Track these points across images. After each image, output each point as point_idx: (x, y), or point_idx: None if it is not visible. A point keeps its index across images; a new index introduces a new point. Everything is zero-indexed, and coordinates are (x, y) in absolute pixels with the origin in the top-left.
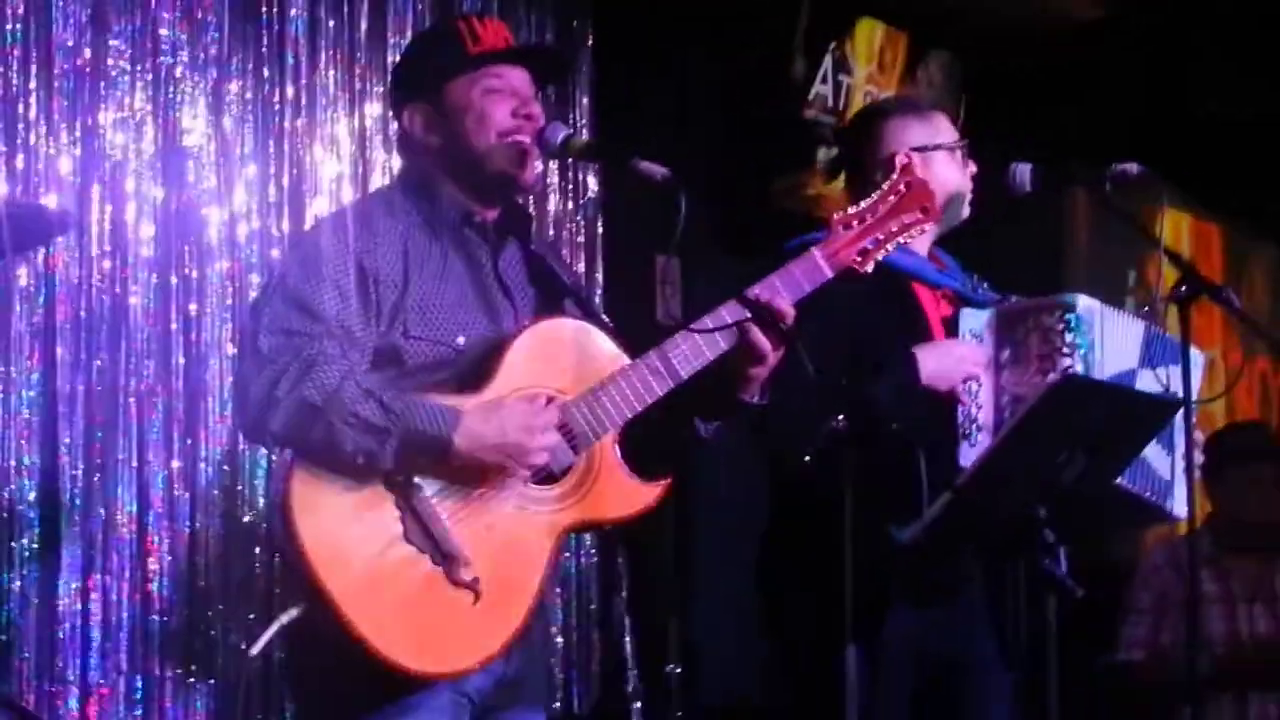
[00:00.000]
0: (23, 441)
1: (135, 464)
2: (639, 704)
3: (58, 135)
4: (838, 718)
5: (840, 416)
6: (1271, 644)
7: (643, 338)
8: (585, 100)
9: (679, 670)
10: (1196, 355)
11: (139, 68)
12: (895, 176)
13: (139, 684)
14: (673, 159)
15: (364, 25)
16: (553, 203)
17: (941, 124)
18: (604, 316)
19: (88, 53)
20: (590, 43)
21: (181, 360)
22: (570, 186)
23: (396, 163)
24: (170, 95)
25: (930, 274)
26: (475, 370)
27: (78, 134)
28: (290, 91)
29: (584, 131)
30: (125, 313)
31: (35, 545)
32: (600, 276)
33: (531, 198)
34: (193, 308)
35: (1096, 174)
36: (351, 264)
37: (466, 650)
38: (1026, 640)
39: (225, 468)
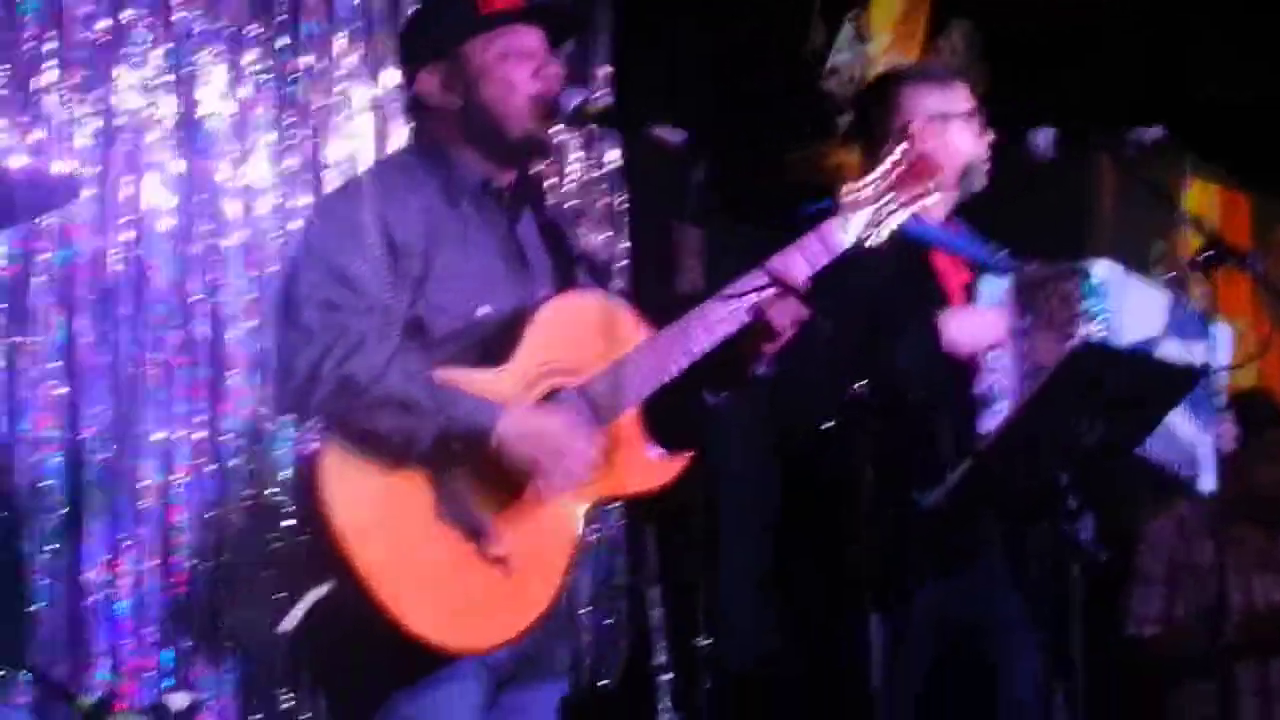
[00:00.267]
0: (45, 415)
1: (160, 436)
2: (667, 676)
3: (75, 106)
4: (861, 686)
5: (859, 384)
6: None
7: (664, 307)
8: (605, 69)
9: (708, 642)
10: (1224, 328)
11: (156, 37)
12: (905, 148)
13: (167, 656)
14: (690, 128)
15: None
16: (574, 172)
17: (959, 92)
18: (619, 285)
19: (106, 23)
20: (610, 11)
21: (203, 331)
22: (591, 156)
23: None
24: (188, 65)
25: (949, 242)
26: (499, 342)
27: (96, 105)
28: (308, 61)
29: (603, 100)
30: (146, 284)
31: (61, 519)
32: (622, 247)
33: (550, 166)
34: (213, 278)
35: (1119, 139)
36: (379, 233)
37: (498, 626)
38: (1051, 607)
39: (248, 439)
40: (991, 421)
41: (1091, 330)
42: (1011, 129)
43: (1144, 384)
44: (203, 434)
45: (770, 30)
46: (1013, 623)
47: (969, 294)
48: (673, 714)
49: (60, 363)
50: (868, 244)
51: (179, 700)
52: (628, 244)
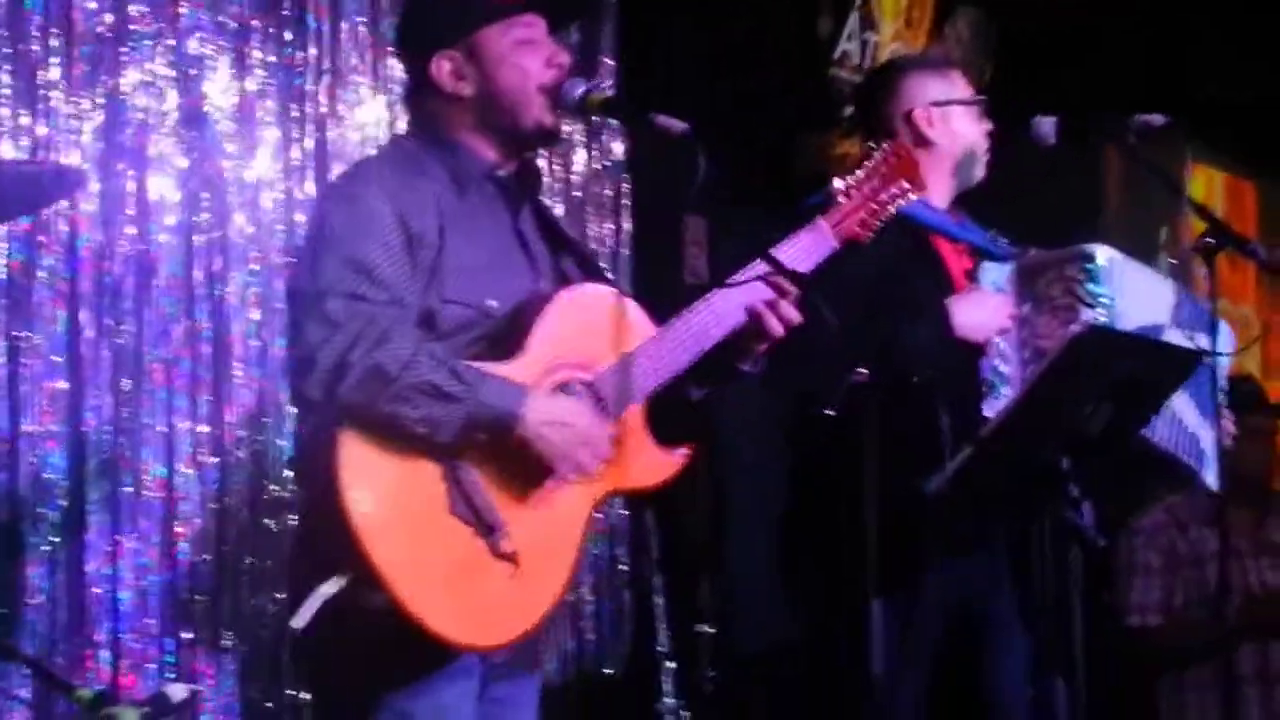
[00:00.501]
0: (48, 408)
1: (162, 429)
2: (671, 664)
3: (79, 100)
4: (865, 671)
5: (861, 369)
6: None
7: (670, 298)
8: (610, 61)
9: (711, 630)
10: (1225, 326)
11: (162, 31)
12: (887, 147)
13: (168, 647)
14: (696, 118)
15: None
16: (579, 162)
17: (959, 80)
18: (612, 275)
19: (109, 18)
20: (615, 2)
21: (206, 325)
22: (596, 146)
23: None
24: (192, 58)
25: (951, 228)
26: (507, 334)
27: (99, 99)
28: (313, 54)
29: (608, 90)
30: (149, 278)
31: (63, 511)
32: (627, 237)
33: (556, 157)
34: (217, 271)
35: (1122, 126)
36: (397, 221)
37: (508, 622)
38: (1052, 591)
39: (250, 431)
40: (994, 407)
41: (1094, 315)
42: (1013, 120)
43: (1148, 367)
44: (205, 427)
45: (776, 19)
46: (1007, 621)
47: (970, 280)
48: (676, 701)
49: (63, 356)
50: (861, 241)
51: (179, 692)
52: (632, 234)
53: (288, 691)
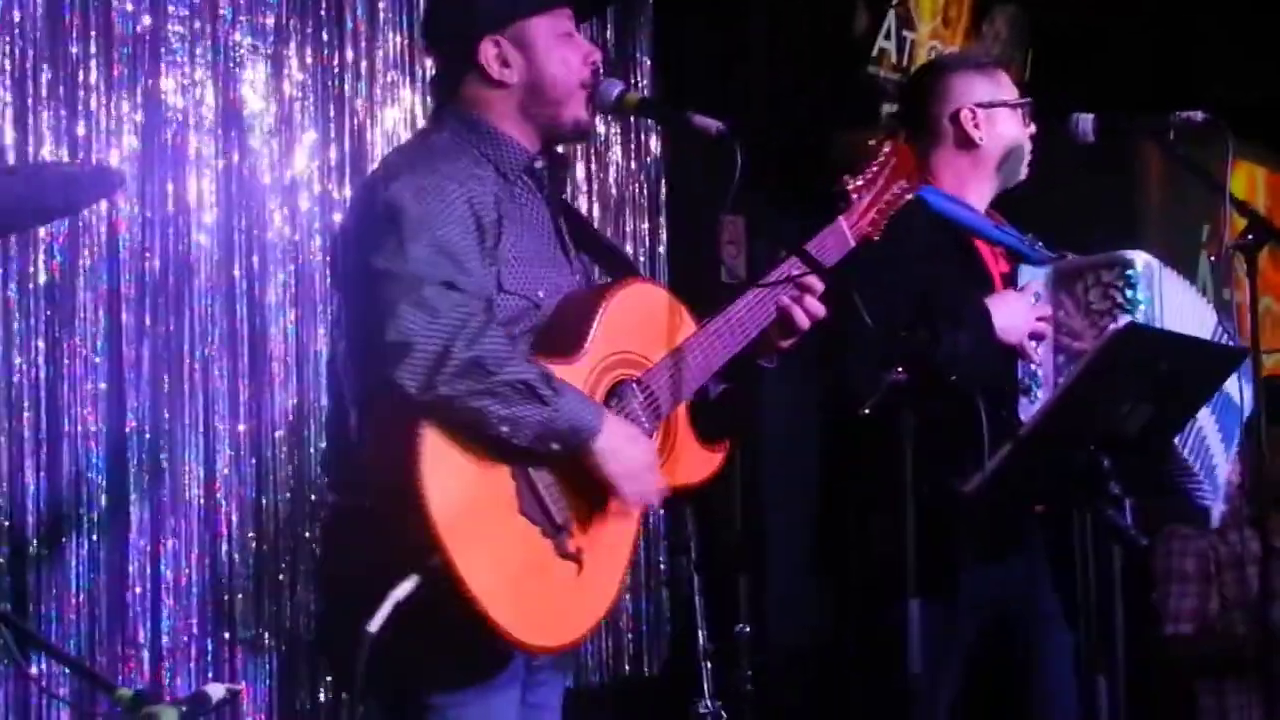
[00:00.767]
0: (89, 409)
1: (202, 429)
2: (709, 664)
3: (118, 102)
4: (901, 671)
5: (899, 369)
6: None
7: (708, 297)
8: (646, 61)
9: (748, 629)
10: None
11: (198, 33)
12: (889, 148)
13: (209, 647)
14: (734, 117)
15: None
16: (616, 161)
17: (1004, 80)
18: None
19: (147, 19)
20: (652, 1)
21: (245, 325)
22: (633, 145)
23: None
24: (230, 61)
25: (990, 230)
26: (562, 329)
27: (139, 100)
28: (350, 56)
29: (645, 90)
30: (189, 278)
31: (104, 511)
32: (664, 235)
33: (593, 155)
34: (255, 271)
35: (1160, 123)
36: (468, 209)
37: (571, 624)
38: (1095, 590)
39: (290, 431)
40: (1028, 411)
41: (1131, 319)
42: (1053, 117)
43: (1187, 366)
44: (245, 426)
45: (813, 17)
46: (1050, 620)
47: (1007, 283)
48: (715, 702)
49: (103, 356)
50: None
51: (218, 691)
52: (669, 233)
53: (325, 693)
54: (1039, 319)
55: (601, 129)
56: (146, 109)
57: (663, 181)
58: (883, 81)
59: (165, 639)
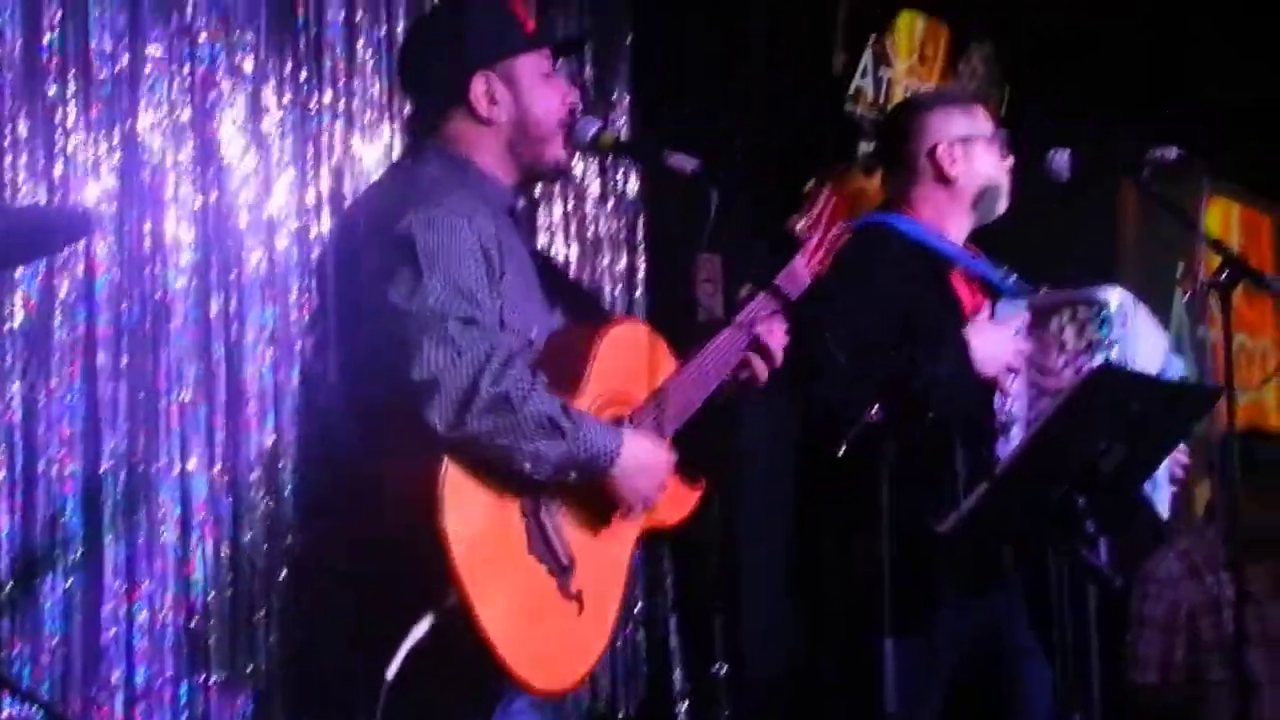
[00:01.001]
0: (65, 450)
1: (178, 470)
2: (685, 704)
3: (96, 142)
4: (877, 709)
5: (874, 409)
6: None
7: (684, 334)
8: (626, 98)
9: (725, 668)
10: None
11: (176, 73)
12: (827, 189)
13: (184, 690)
14: (711, 155)
15: (401, 27)
16: (593, 199)
17: (981, 116)
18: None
19: (125, 59)
20: (630, 39)
21: (223, 366)
22: (611, 183)
23: None
24: (207, 100)
25: (967, 262)
26: (557, 368)
27: (116, 141)
28: (328, 96)
29: (624, 129)
30: (165, 319)
31: (79, 553)
32: (642, 273)
33: (570, 192)
34: (232, 311)
35: (1135, 160)
36: (477, 244)
37: (574, 664)
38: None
39: (265, 473)
40: (1004, 448)
41: (1106, 357)
42: (1029, 151)
43: (1162, 407)
44: (219, 466)
45: (790, 57)
46: (1029, 654)
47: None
48: None
49: (80, 397)
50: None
51: None
52: (647, 271)
53: None
54: (1019, 350)
55: (579, 167)
56: (123, 149)
57: (640, 219)
58: (860, 119)
59: (140, 682)
